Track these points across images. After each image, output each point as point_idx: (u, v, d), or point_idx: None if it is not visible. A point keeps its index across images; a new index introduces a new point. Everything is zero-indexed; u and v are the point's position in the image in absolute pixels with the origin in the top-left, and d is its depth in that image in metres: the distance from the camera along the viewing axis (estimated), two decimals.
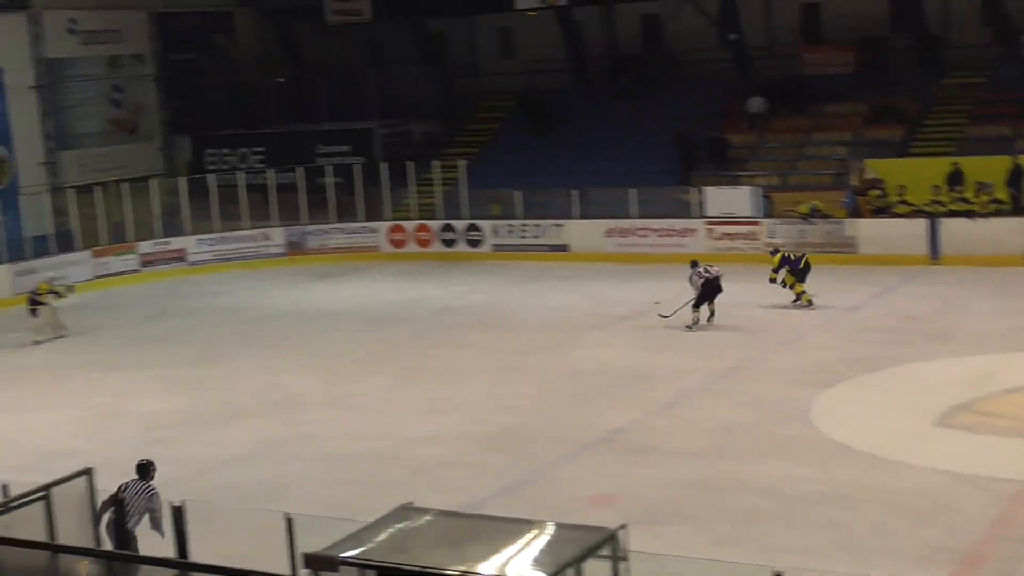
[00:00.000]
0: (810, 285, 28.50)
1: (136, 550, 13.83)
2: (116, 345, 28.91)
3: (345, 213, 39.76)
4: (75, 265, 36.12)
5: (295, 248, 39.18)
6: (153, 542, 12.68)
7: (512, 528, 10.79)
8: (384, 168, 39.88)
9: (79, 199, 37.80)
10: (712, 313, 27.14)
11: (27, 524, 12.48)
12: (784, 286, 28.58)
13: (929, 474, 17.31)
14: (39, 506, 12.60)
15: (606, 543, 10.30)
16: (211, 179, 40.19)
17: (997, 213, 32.12)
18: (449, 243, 38.31)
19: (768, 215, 35.10)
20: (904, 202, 33.22)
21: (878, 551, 14.77)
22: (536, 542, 10.39)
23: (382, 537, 10.71)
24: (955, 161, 33.84)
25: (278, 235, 39.23)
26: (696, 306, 26.99)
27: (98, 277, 36.60)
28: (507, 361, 25.23)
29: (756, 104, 39.42)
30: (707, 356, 24.56)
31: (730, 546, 14.96)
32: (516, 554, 10.14)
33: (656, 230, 35.64)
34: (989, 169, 33.00)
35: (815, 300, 28.42)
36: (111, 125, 43.85)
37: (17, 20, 40.29)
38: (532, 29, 45.28)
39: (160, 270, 37.82)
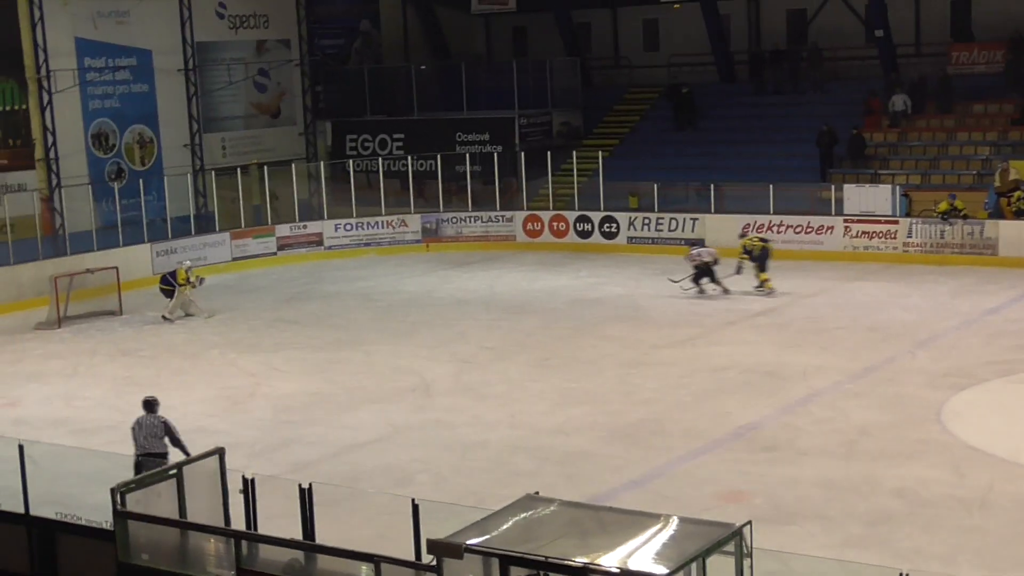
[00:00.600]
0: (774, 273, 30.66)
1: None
2: (252, 327, 29.32)
3: (482, 202, 39.90)
4: (214, 247, 36.72)
5: (431, 235, 39.39)
6: (280, 525, 12.81)
7: (636, 521, 10.76)
8: (522, 158, 39.97)
9: (220, 181, 38.43)
10: (720, 284, 30.58)
11: (159, 501, 12.73)
12: (738, 272, 30.73)
13: None
14: (171, 483, 12.84)
15: (731, 539, 10.23)
16: (351, 164, 40.54)
17: None
18: (584, 234, 38.25)
19: (907, 214, 34.60)
20: None
21: (1010, 559, 14.51)
22: (660, 536, 10.36)
23: (507, 526, 10.75)
24: None
25: (414, 222, 39.47)
26: (695, 280, 30.78)
27: (236, 259, 37.15)
28: (640, 354, 25.14)
29: (899, 102, 38.85)
30: (842, 355, 24.26)
31: (859, 547, 14.78)
32: (640, 547, 10.11)
33: (793, 227, 35.28)
34: None
35: (776, 288, 30.41)
36: (254, 109, 44.49)
37: (167, 4, 41.06)
38: (677, 22, 45.11)
39: (297, 254, 38.27)
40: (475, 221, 39.44)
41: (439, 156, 39.79)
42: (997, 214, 33.64)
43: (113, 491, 12.35)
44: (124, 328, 29.61)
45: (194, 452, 13.54)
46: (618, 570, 9.67)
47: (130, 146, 40.43)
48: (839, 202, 35.19)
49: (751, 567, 10.28)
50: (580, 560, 9.83)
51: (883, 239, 34.23)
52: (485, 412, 21.47)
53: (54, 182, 37.94)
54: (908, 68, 40.69)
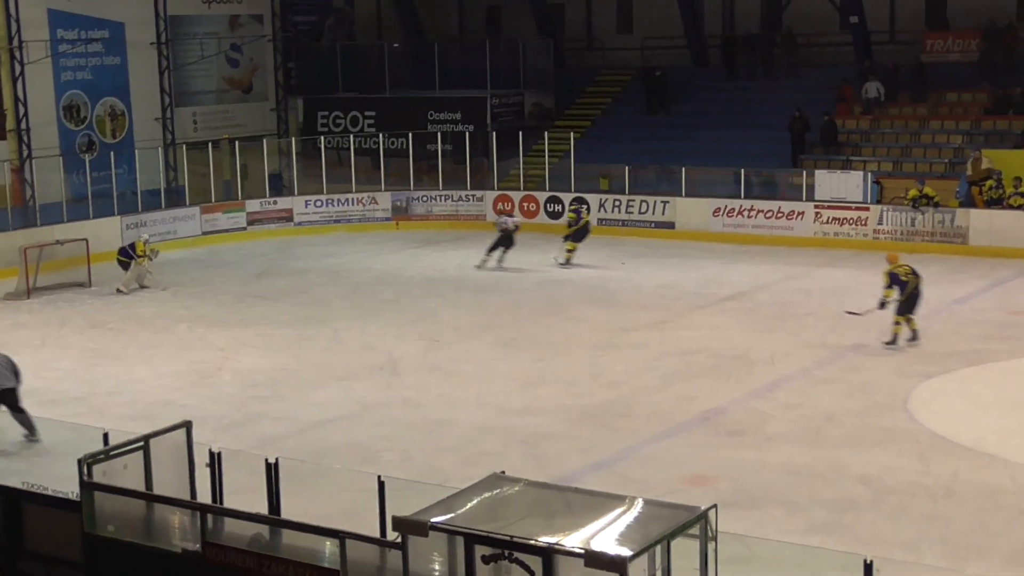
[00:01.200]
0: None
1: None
2: (221, 302, 29.24)
3: (452, 181, 39.86)
4: (184, 221, 36.64)
5: (401, 213, 39.35)
6: (245, 499, 12.79)
7: (602, 502, 10.77)
8: (493, 137, 39.96)
9: (191, 156, 38.28)
10: (501, 259, 32.20)
11: (125, 473, 12.70)
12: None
13: None
14: (137, 456, 12.80)
15: (696, 522, 10.25)
16: (322, 141, 40.48)
17: None
18: (555, 215, 38.25)
19: (878, 201, 34.72)
20: (1021, 194, 32.66)
21: (973, 547, 14.58)
22: (625, 517, 10.37)
23: (472, 505, 10.75)
24: None
25: (385, 199, 39.41)
26: (490, 250, 32.16)
27: (205, 233, 37.06)
28: (608, 337, 25.17)
29: (872, 89, 38.95)
30: (811, 341, 24.33)
31: (823, 533, 14.83)
32: (604, 528, 10.12)
33: (763, 211, 35.37)
34: None
35: (574, 262, 32.34)
36: (226, 84, 44.33)
37: None
38: (650, 5, 45.15)
39: (266, 229, 38.18)
40: (445, 200, 39.41)
41: (410, 134, 39.74)
42: (968, 203, 33.79)
43: (80, 462, 12.30)
44: (93, 300, 29.50)
45: (161, 426, 13.48)
46: (582, 551, 9.68)
47: (101, 119, 40.24)
48: (810, 188, 35.28)
49: (716, 551, 10.30)
50: (545, 540, 9.84)
51: (853, 226, 34.35)
52: (452, 391, 21.47)
53: (25, 153, 37.75)
54: (882, 55, 40.78)
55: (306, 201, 39.02)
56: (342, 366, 23.26)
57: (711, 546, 10.28)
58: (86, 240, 31.24)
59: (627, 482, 16.30)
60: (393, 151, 40.80)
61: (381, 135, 40.89)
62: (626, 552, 9.64)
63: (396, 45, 46.82)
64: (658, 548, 10.08)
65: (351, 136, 41.60)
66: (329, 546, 11.17)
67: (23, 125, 37.70)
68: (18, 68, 37.53)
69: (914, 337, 23.78)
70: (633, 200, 37.25)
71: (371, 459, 17.70)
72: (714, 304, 27.83)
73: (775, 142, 38.46)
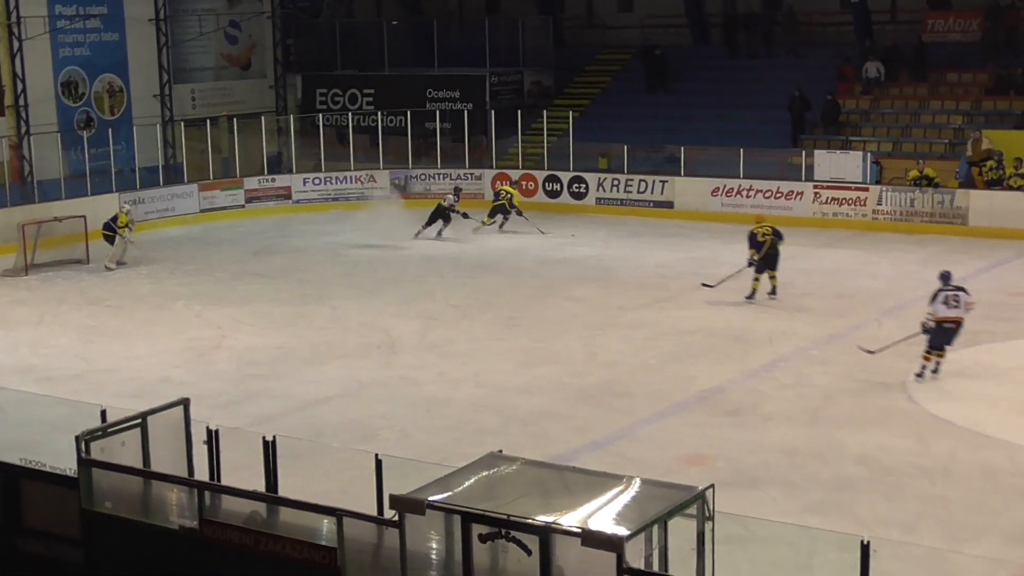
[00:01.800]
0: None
1: None
2: (219, 279, 29.22)
3: (451, 159, 39.79)
4: (182, 198, 36.61)
5: (400, 191, 39.28)
6: (242, 477, 12.78)
7: (599, 482, 10.77)
8: (492, 116, 39.89)
9: (189, 133, 38.18)
10: (439, 233, 33.83)
11: (123, 450, 12.69)
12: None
13: None
14: (135, 433, 12.80)
15: (693, 502, 10.25)
16: (320, 119, 40.40)
17: None
18: (553, 194, 38.22)
19: (877, 182, 34.68)
20: (1021, 175, 32.61)
21: (971, 527, 14.59)
22: (622, 497, 10.37)
23: (469, 483, 10.75)
24: None
25: (383, 177, 39.35)
26: (427, 224, 33.88)
27: (204, 211, 37.03)
28: (606, 316, 25.16)
29: (873, 69, 38.88)
30: (809, 321, 24.33)
31: (820, 513, 14.84)
32: (601, 507, 10.12)
33: (762, 191, 35.31)
34: None
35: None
36: (225, 60, 44.21)
37: None
38: None
39: (265, 207, 38.14)
40: (444, 178, 39.32)
41: (409, 112, 39.68)
42: (968, 183, 33.73)
43: (78, 439, 12.30)
44: (91, 277, 29.48)
45: (159, 403, 13.48)
46: (579, 530, 9.67)
47: (99, 95, 40.10)
48: (809, 168, 35.23)
49: (713, 530, 10.30)
50: (542, 519, 9.84)
51: (852, 206, 34.31)
52: (450, 370, 21.46)
53: (23, 129, 37.61)
54: (883, 35, 40.73)
55: (304, 179, 38.97)
56: (340, 344, 23.24)
57: (708, 526, 10.28)
58: (84, 217, 31.19)
59: (624, 461, 16.31)
60: (392, 129, 40.75)
61: (380, 113, 40.82)
62: (623, 532, 9.65)
63: (395, 23, 46.68)
64: (655, 528, 10.09)
65: (350, 114, 41.51)
66: (326, 524, 11.17)
67: (21, 101, 37.58)
68: (16, 44, 37.39)
69: (773, 291, 25.94)
70: (632, 179, 37.21)
71: (369, 437, 17.70)
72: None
73: (775, 122, 38.40)
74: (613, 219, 36.20)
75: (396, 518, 10.44)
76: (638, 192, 37.02)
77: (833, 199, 34.59)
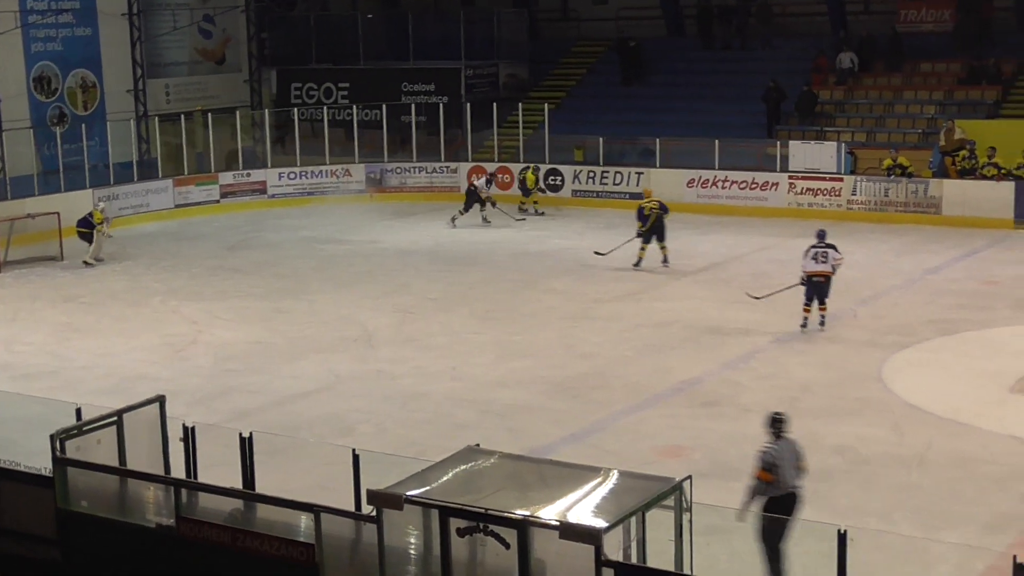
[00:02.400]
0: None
1: None
2: (194, 275, 29.13)
3: (427, 152, 39.75)
4: (156, 194, 36.48)
5: (375, 185, 39.24)
6: (219, 473, 12.76)
7: (576, 474, 10.78)
8: (468, 109, 39.85)
9: (163, 128, 38.04)
10: (484, 219, 34.35)
11: (98, 448, 12.65)
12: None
13: (1002, 440, 17.13)
14: (111, 430, 12.76)
15: (671, 494, 10.27)
16: (295, 113, 40.30)
17: None
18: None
19: (852, 172, 34.76)
20: (994, 164, 32.74)
21: (946, 516, 14.63)
22: (600, 489, 10.38)
23: (447, 477, 10.75)
24: None
25: (359, 171, 39.29)
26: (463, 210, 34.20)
27: (178, 206, 36.90)
28: (583, 308, 25.16)
29: (847, 60, 38.96)
30: (785, 312, 24.32)
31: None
32: (579, 500, 10.14)
33: (738, 182, 35.37)
34: None
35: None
36: (199, 55, 43.99)
37: None
38: None
39: (240, 201, 38.02)
40: (420, 172, 39.31)
41: (384, 106, 39.60)
42: (942, 173, 33.84)
43: (53, 437, 12.26)
44: (65, 274, 29.36)
45: (135, 400, 13.44)
46: (557, 523, 9.68)
47: (72, 90, 39.89)
48: (784, 159, 35.29)
49: (690, 521, 10.31)
50: (520, 513, 9.84)
51: (827, 196, 34.39)
52: (427, 363, 21.43)
53: None
54: (857, 26, 40.84)
55: (279, 173, 38.87)
56: (317, 339, 23.20)
57: (686, 517, 10.29)
58: (58, 214, 31.06)
59: (602, 454, 16.32)
60: (367, 123, 40.67)
61: (355, 107, 40.73)
62: (601, 524, 9.66)
63: (370, 16, 46.61)
64: (633, 519, 10.10)
65: (325, 108, 41.42)
66: (304, 520, 11.15)
67: None
68: None
69: (665, 260, 28.36)
70: (607, 171, 37.24)
71: (346, 432, 17.67)
72: (689, 275, 27.85)
73: (751, 113, 38.47)
74: (590, 211, 36.21)
75: (374, 513, 10.43)
76: (614, 184, 37.04)
77: (808, 189, 34.66)
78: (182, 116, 38.45)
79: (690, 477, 10.36)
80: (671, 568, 10.18)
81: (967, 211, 32.54)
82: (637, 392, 19.65)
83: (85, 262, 29.86)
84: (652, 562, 10.25)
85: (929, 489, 15.53)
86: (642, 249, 28.47)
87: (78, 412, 13.36)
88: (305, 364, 21.54)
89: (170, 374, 20.84)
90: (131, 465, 12.67)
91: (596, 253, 29.49)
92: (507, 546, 9.82)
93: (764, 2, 42.22)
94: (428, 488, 10.41)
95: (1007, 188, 32.26)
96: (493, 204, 34.48)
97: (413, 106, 40.20)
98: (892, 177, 33.44)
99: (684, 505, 10.29)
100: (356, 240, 33.02)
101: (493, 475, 10.96)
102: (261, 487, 12.50)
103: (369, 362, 21.66)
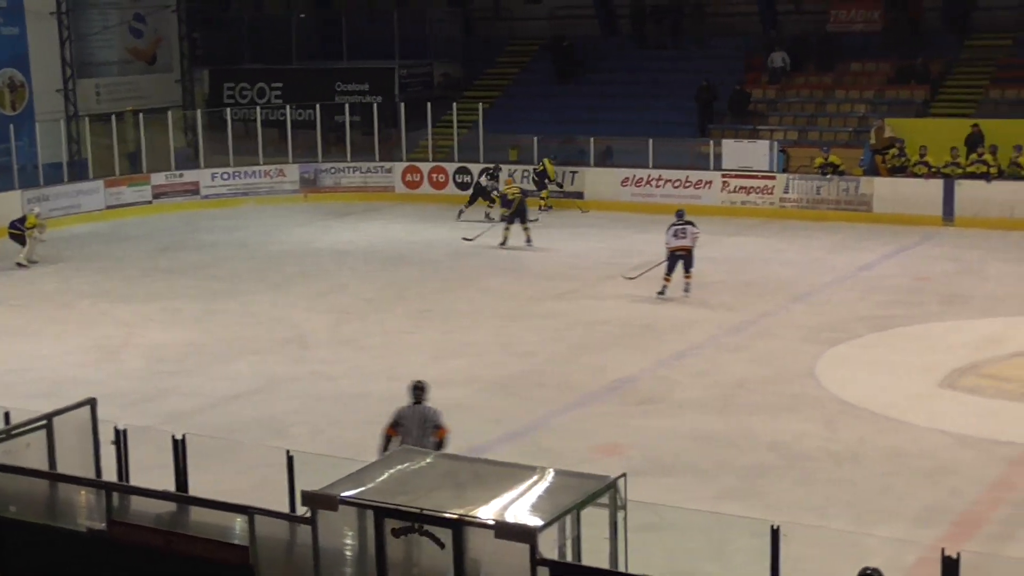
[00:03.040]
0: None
1: None
2: (126, 276, 28.90)
3: (361, 152, 39.64)
4: (87, 195, 36.16)
5: (309, 185, 39.09)
6: (152, 476, 12.65)
7: (512, 473, 10.76)
8: (402, 108, 39.77)
9: (94, 128, 37.72)
10: (486, 215, 34.34)
11: (28, 452, 12.50)
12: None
13: (933, 435, 17.29)
14: (40, 434, 12.60)
15: (605, 491, 10.26)
16: (228, 113, 40.09)
17: (1013, 176, 32.01)
18: (464, 186, 38.16)
19: (784, 170, 34.99)
20: (923, 162, 33.07)
21: (879, 510, 14.75)
22: (536, 488, 10.36)
23: (382, 478, 10.69)
24: (975, 123, 33.66)
25: (293, 172, 39.14)
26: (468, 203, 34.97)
27: (110, 207, 36.60)
28: (519, 307, 25.18)
29: (778, 59, 39.22)
30: (720, 309, 24.50)
31: (734, 500, 14.94)
32: (515, 499, 10.11)
33: (671, 181, 35.49)
34: (1008, 133, 32.85)
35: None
36: (130, 54, 43.65)
37: None
38: None
39: (173, 202, 37.78)
40: (354, 172, 39.21)
41: (318, 106, 39.47)
42: (872, 171, 34.14)
43: None
44: None
45: (67, 403, 13.28)
46: (492, 522, 9.66)
47: (0, 90, 39.50)
48: (717, 157, 35.48)
49: (625, 519, 10.32)
50: (455, 512, 9.81)
51: (760, 194, 34.60)
52: (363, 363, 21.37)
53: None
54: (788, 25, 41.09)
55: (213, 174, 38.65)
56: (251, 340, 23.08)
57: (620, 515, 10.30)
58: None
59: (539, 452, 16.32)
60: (301, 123, 40.52)
61: (288, 107, 40.57)
62: (535, 523, 9.64)
63: (303, 15, 46.44)
64: (568, 518, 10.09)
65: (258, 108, 41.22)
66: (239, 522, 11.07)
67: None
68: None
69: (528, 241, 30.92)
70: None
71: (281, 433, 17.58)
72: (625, 273, 27.91)
73: (684, 111, 38.63)
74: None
75: (309, 514, 10.37)
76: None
77: (741, 187, 34.87)
78: (113, 116, 38.12)
79: (624, 475, 10.36)
80: (606, 566, 10.19)
81: (897, 208, 32.86)
82: (573, 390, 19.69)
83: (18, 263, 29.56)
84: (587, 560, 10.24)
85: (862, 484, 15.65)
86: (507, 229, 31.11)
87: (6, 416, 13.21)
88: (239, 366, 21.42)
89: (102, 377, 20.65)
90: (61, 469, 12.52)
91: (465, 239, 31.66)
92: (442, 546, 9.79)
93: (697, 2, 42.41)
94: (363, 489, 10.35)
95: (936, 185, 32.60)
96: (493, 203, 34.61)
97: (347, 106, 40.09)
98: (826, 176, 33.68)
99: (619, 503, 10.30)
100: (290, 241, 32.90)
101: (429, 475, 10.92)
102: (195, 489, 12.40)
103: (304, 363, 21.57)
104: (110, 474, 12.87)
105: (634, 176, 35.92)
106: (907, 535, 13.81)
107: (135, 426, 13.52)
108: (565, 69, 42.62)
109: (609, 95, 40.72)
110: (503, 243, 30.98)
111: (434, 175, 38.39)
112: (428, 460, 11.17)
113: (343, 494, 10.21)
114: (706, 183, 35.26)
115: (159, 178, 37.81)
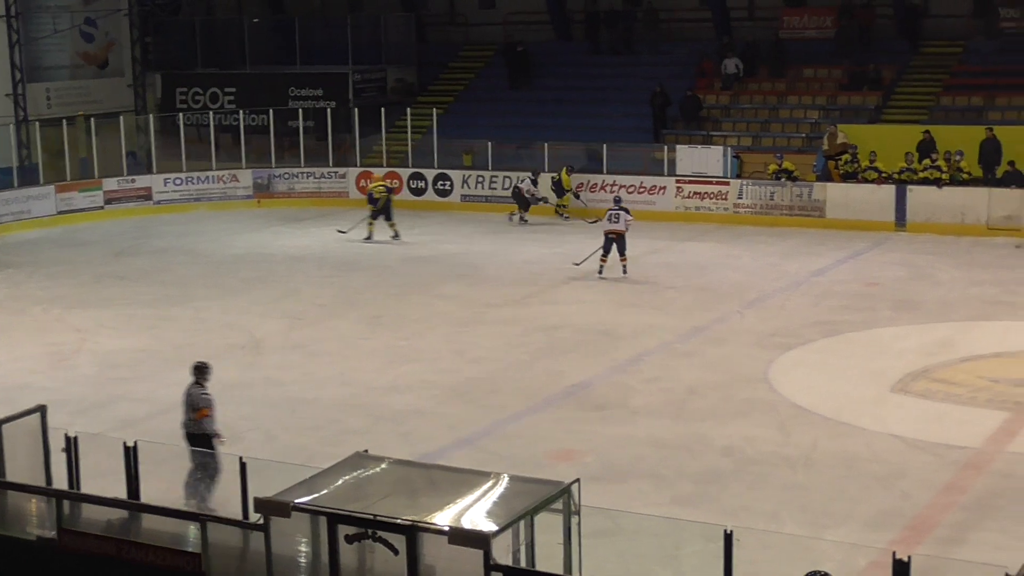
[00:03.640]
0: None
1: None
2: (78, 282, 28.71)
3: (315, 158, 39.54)
4: (38, 200, 35.88)
5: (263, 191, 38.95)
6: (104, 483, 12.56)
7: (467, 479, 10.76)
8: (356, 114, 39.70)
9: (45, 133, 37.45)
10: (521, 219, 35.14)
11: None
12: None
13: (884, 439, 17.38)
14: None
15: (559, 497, 10.28)
16: (181, 118, 39.87)
17: (964, 182, 32.26)
18: (418, 192, 38.14)
19: (738, 176, 35.12)
20: (874, 168, 33.28)
21: (832, 514, 14.82)
22: (490, 494, 10.37)
23: (336, 484, 10.67)
24: (926, 129, 33.91)
25: (246, 177, 38.97)
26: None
27: (61, 213, 36.32)
28: (473, 313, 25.16)
29: (732, 65, 39.36)
30: (674, 315, 24.55)
31: (688, 505, 14.97)
32: (470, 505, 10.12)
33: (625, 186, 35.53)
34: (959, 139, 33.10)
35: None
36: (82, 59, 43.39)
37: None
38: None
39: (125, 208, 37.53)
40: (307, 177, 39.08)
41: (271, 111, 39.34)
42: (825, 177, 34.31)
43: None
44: None
45: (18, 410, 13.18)
46: (446, 528, 9.65)
47: None
48: (672, 163, 35.56)
49: (579, 524, 10.33)
50: (408, 518, 9.80)
51: (714, 200, 34.70)
52: (316, 369, 21.30)
53: None
54: (741, 31, 41.22)
55: (165, 179, 38.44)
56: (203, 346, 22.89)
57: (574, 520, 10.31)
58: None
59: (494, 458, 16.31)
60: (254, 128, 40.34)
61: (241, 112, 40.40)
62: (489, 528, 9.64)
63: (256, 20, 46.27)
64: (522, 523, 10.10)
65: (211, 113, 41.03)
66: (192, 529, 11.02)
67: None
68: None
69: (396, 236, 32.63)
70: (496, 176, 37.25)
71: (233, 439, 17.41)
72: (579, 279, 27.94)
73: (638, 117, 38.71)
74: (479, 216, 36.22)
75: (262, 521, 10.33)
76: (503, 188, 37.05)
77: (695, 193, 34.96)
78: (64, 121, 37.86)
79: (578, 480, 10.38)
80: (560, 571, 10.20)
81: (850, 214, 33.02)
82: (528, 396, 19.68)
83: None
84: (541, 565, 10.26)
85: (814, 488, 15.71)
86: (371, 224, 32.80)
87: None
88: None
89: (54, 383, 20.48)
90: (11, 477, 12.43)
91: (339, 231, 33.57)
92: (396, 552, 9.77)
93: (650, 7, 42.51)
94: (316, 495, 10.33)
95: (888, 191, 32.79)
96: (544, 201, 35.37)
97: (301, 111, 39.98)
98: (781, 181, 33.84)
99: (572, 508, 10.31)
100: (244, 246, 32.76)
101: (382, 481, 10.91)
102: (147, 497, 12.33)
103: (257, 369, 21.48)
104: (61, 482, 12.78)
105: (588, 181, 35.96)
106: (859, 539, 13.88)
107: (86, 433, 13.43)
108: (519, 74, 42.65)
109: (563, 100, 40.76)
110: (368, 238, 32.65)
111: (388, 180, 38.27)
112: (382, 467, 11.15)
113: (296, 500, 10.19)
114: (660, 189, 35.33)
115: (111, 183, 37.54)
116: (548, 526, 10.26)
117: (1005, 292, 26.00)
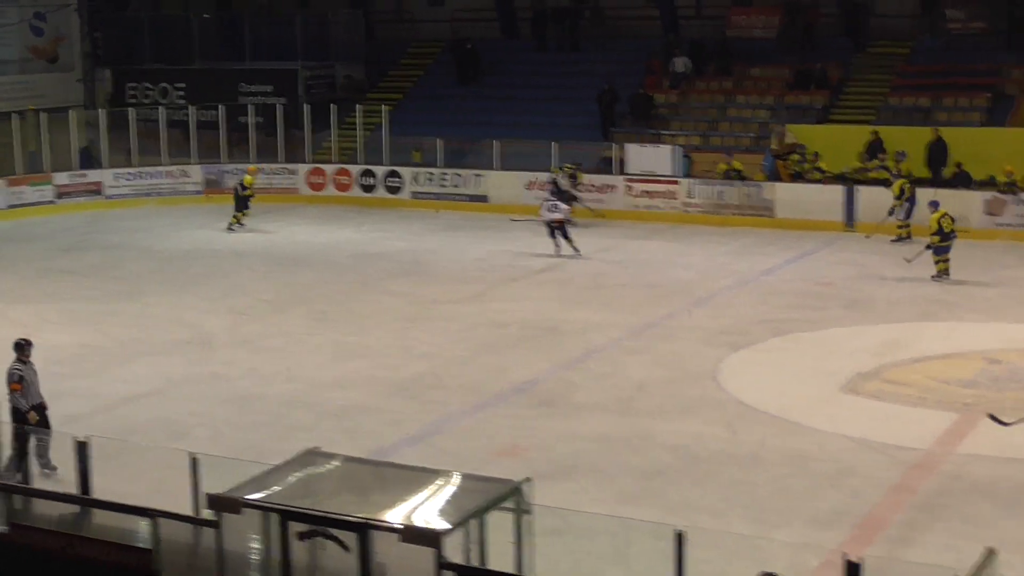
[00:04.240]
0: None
1: None
2: (24, 277, 28.52)
3: (265, 154, 39.42)
4: None
5: (213, 186, 38.79)
6: (51, 480, 12.51)
7: (417, 477, 10.78)
8: (306, 110, 39.60)
9: None
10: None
11: None
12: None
13: (833, 439, 17.47)
14: None
15: (510, 496, 10.31)
16: (131, 113, 39.67)
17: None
18: (368, 188, 38.12)
19: (688, 175, 35.25)
20: (818, 168, 33.54)
21: (780, 512, 14.90)
22: (441, 492, 10.39)
23: (287, 481, 10.66)
24: (875, 130, 34.16)
25: (196, 173, 38.83)
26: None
27: (11, 207, 36.08)
28: (421, 309, 25.16)
29: (680, 64, 39.50)
30: (622, 312, 24.63)
31: (634, 502, 15.02)
32: (421, 503, 10.13)
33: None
34: (907, 139, 33.34)
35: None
36: (31, 53, 43.09)
37: None
38: None
39: (75, 202, 37.32)
40: (258, 173, 38.90)
41: (221, 107, 39.18)
42: (774, 176, 34.49)
43: None
44: None
45: None
46: (398, 526, 9.67)
47: None
48: (621, 161, 35.66)
49: (531, 523, 10.37)
50: (360, 516, 9.81)
51: (664, 199, 34.83)
52: (262, 365, 21.25)
53: None
54: (689, 29, 41.37)
55: (115, 174, 38.25)
56: (149, 341, 22.85)
57: (525, 519, 10.35)
58: None
59: (441, 454, 16.32)
60: (204, 123, 40.17)
61: (191, 107, 40.23)
62: (441, 526, 9.67)
63: (205, 16, 46.07)
64: (473, 522, 10.13)
65: (161, 108, 40.81)
66: (143, 525, 10.99)
67: None
68: None
69: (236, 225, 33.73)
70: (447, 173, 37.28)
71: (180, 435, 17.43)
72: (528, 276, 28.01)
73: (586, 115, 38.79)
74: (429, 213, 36.23)
75: (213, 518, 10.32)
76: (453, 186, 37.08)
77: (645, 192, 35.08)
78: (13, 115, 37.57)
79: (529, 479, 10.42)
80: (512, 570, 10.24)
81: (799, 214, 33.19)
82: (474, 392, 19.71)
83: None
84: (493, 564, 10.29)
85: (762, 486, 15.79)
86: (234, 218, 33.73)
87: None
88: (137, 367, 21.20)
89: None
90: None
91: (229, 229, 33.88)
92: (347, 549, 9.78)
93: (597, 5, 42.60)
94: (268, 492, 10.33)
95: (837, 191, 32.99)
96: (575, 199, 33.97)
97: (251, 107, 39.85)
98: (731, 180, 34.01)
99: (523, 506, 10.35)
100: (191, 242, 32.63)
101: (334, 478, 10.91)
102: (97, 493, 12.28)
103: (203, 365, 21.39)
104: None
105: (538, 179, 36.00)
106: (808, 537, 13.95)
107: (34, 428, 13.35)
108: (467, 71, 42.66)
109: (511, 98, 40.81)
110: (230, 228, 33.86)
111: (338, 177, 38.26)
112: (334, 464, 11.16)
113: (247, 497, 10.18)
114: (610, 187, 35.44)
115: (62, 178, 37.34)
116: (499, 525, 10.29)
117: (943, 291, 26.21)
